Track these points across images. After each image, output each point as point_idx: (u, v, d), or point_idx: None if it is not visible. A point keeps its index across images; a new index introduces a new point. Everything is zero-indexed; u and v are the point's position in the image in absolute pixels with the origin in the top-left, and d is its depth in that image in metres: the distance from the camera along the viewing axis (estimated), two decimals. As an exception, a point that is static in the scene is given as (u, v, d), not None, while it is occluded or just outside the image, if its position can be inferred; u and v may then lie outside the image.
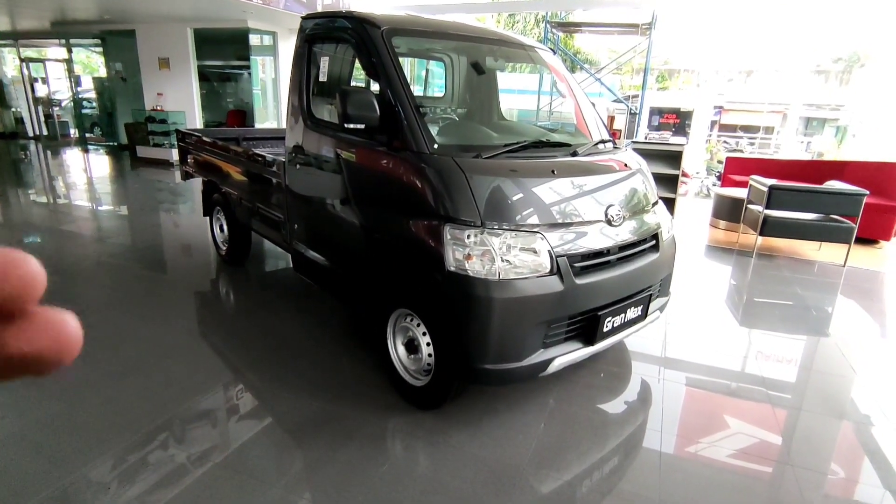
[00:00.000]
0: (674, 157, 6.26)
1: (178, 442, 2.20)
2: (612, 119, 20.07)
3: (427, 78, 3.84)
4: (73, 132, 13.31)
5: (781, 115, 25.05)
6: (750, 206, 5.48)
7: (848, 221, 4.94)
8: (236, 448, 2.17)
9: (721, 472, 2.18)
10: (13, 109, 13.41)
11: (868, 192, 4.76)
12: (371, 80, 2.51)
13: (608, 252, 2.34)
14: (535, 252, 2.09)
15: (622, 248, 2.41)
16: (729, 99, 25.53)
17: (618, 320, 2.41)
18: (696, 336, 3.49)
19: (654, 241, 2.65)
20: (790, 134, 21.78)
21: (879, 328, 3.88)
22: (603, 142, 2.89)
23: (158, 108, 9.73)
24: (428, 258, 2.13)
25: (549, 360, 2.19)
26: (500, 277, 2.03)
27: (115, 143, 12.07)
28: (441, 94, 3.84)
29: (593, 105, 3.28)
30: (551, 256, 2.11)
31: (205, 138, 4.20)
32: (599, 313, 2.29)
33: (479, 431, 2.32)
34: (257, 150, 3.50)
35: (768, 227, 5.08)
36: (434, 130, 2.59)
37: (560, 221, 2.19)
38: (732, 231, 6.15)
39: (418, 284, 2.27)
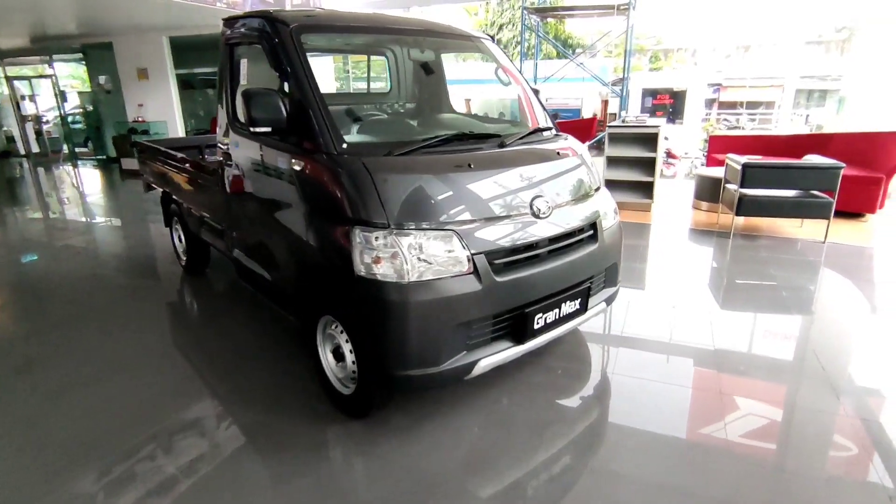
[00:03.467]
0: (651, 140, 6.10)
1: (103, 458, 2.15)
2: (605, 103, 19.79)
3: (369, 74, 3.74)
4: (65, 147, 13.38)
5: (782, 90, 24.56)
6: (727, 186, 5.33)
7: (826, 196, 4.77)
8: (163, 463, 2.12)
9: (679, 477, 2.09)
10: (4, 129, 13.50)
11: (844, 165, 4.60)
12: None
13: (535, 246, 2.24)
14: (448, 251, 2.00)
15: (552, 240, 2.31)
16: (728, 76, 25.08)
17: (551, 316, 2.32)
18: (667, 324, 3.38)
19: (592, 231, 2.54)
20: (787, 108, 21.33)
21: (854, 306, 3.74)
22: (539, 130, 2.78)
23: (140, 119, 9.72)
24: (341, 263, 2.05)
25: (474, 363, 2.10)
26: (411, 280, 1.94)
27: (105, 157, 12.11)
28: (388, 90, 3.75)
29: (536, 92, 3.17)
30: (467, 255, 2.02)
31: (157, 148, 4.15)
32: (527, 311, 2.19)
33: (409, 438, 2.24)
34: (197, 158, 3.44)
35: (744, 207, 4.93)
36: (354, 129, 2.51)
37: (477, 217, 2.09)
38: (714, 212, 6.00)
39: (335, 291, 2.19)
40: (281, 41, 2.33)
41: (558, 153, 2.54)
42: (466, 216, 2.07)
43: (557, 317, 2.35)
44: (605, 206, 2.70)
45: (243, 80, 2.72)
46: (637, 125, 6.20)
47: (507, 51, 23.89)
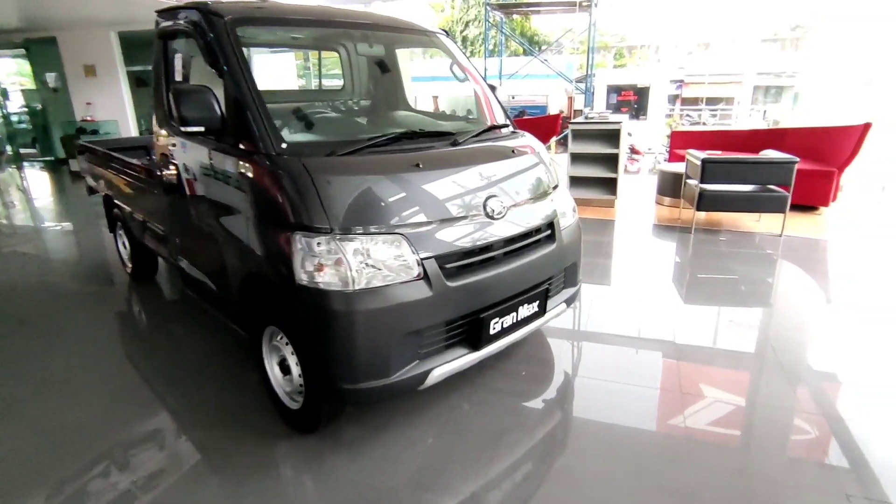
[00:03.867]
0: (613, 136, 6.12)
1: (41, 478, 1.97)
2: (571, 100, 19.98)
3: (320, 70, 3.59)
4: (8, 149, 12.67)
5: (741, 86, 25.27)
6: (688, 181, 5.38)
7: (781, 190, 4.86)
8: (103, 486, 1.95)
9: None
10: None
11: (798, 160, 4.68)
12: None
13: (489, 248, 2.16)
14: (396, 256, 1.90)
15: (507, 241, 2.23)
16: (689, 72, 25.65)
17: (508, 320, 2.24)
18: (631, 320, 3.35)
19: (549, 231, 2.48)
20: (747, 103, 21.96)
21: (809, 298, 3.80)
22: (495, 127, 2.70)
23: (89, 118, 9.26)
24: (282, 271, 1.92)
25: (427, 372, 2.00)
26: (356, 288, 1.83)
27: (53, 158, 11.51)
28: (341, 87, 3.61)
29: (493, 89, 3.09)
30: (416, 259, 1.92)
31: (95, 149, 3.91)
32: (483, 316, 2.11)
33: (360, 452, 2.13)
34: (136, 159, 3.24)
35: (705, 202, 4.98)
36: (296, 128, 2.38)
37: (427, 220, 1.99)
38: (676, 207, 6.06)
39: (277, 300, 2.06)
40: (216, 35, 2.17)
41: (514, 151, 2.47)
42: (415, 219, 1.97)
43: (515, 321, 2.27)
44: (563, 205, 2.64)
45: (178, 77, 2.55)
46: (600, 122, 6.21)
47: (474, 47, 23.87)
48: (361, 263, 1.84)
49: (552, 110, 19.58)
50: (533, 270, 2.33)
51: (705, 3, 27.20)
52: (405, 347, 1.94)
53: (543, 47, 15.93)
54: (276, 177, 1.94)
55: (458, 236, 2.05)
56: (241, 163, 2.09)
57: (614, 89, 18.45)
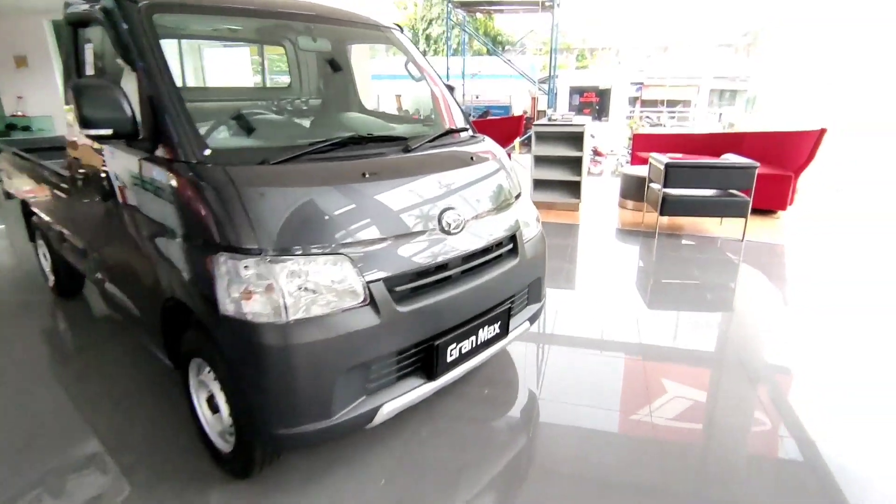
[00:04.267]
0: (576, 139, 6.02)
1: None
2: (535, 100, 20.02)
3: (263, 66, 3.31)
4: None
5: (697, 89, 25.99)
6: (651, 185, 5.33)
7: (742, 195, 4.85)
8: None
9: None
10: None
11: (759, 165, 4.68)
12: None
13: (444, 267, 1.95)
14: (338, 280, 1.66)
15: (466, 258, 2.03)
16: (649, 75, 26.21)
17: (467, 345, 2.04)
18: (595, 329, 3.21)
19: (511, 245, 2.29)
20: (703, 106, 22.59)
21: (769, 302, 3.77)
22: (453, 131, 2.50)
23: (20, 113, 8.56)
24: (206, 298, 1.65)
25: (376, 409, 1.78)
26: (290, 319, 1.58)
27: (-17, 156, 10.63)
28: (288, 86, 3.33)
29: (451, 89, 2.88)
30: (362, 283, 1.69)
31: (5, 148, 3.49)
32: (438, 343, 1.90)
33: (303, 496, 1.89)
34: (51, 163, 2.87)
35: (668, 206, 4.93)
36: (225, 131, 2.10)
37: (374, 237, 1.76)
38: (640, 210, 6.01)
39: (201, 331, 1.80)
40: (129, 23, 1.88)
41: (473, 158, 2.26)
42: (361, 236, 1.74)
43: (474, 345, 2.07)
44: (526, 215, 2.46)
45: (90, 70, 2.23)
46: (563, 123, 6.11)
47: (438, 46, 23.62)
48: (297, 289, 1.60)
49: (516, 111, 19.61)
50: (494, 289, 2.14)
51: (664, 7, 27.86)
52: (349, 383, 1.71)
53: (507, 47, 15.88)
54: (197, 189, 1.67)
55: (410, 254, 1.83)
56: (157, 171, 1.81)
57: (577, 90, 18.60)
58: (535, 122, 6.26)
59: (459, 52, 11.74)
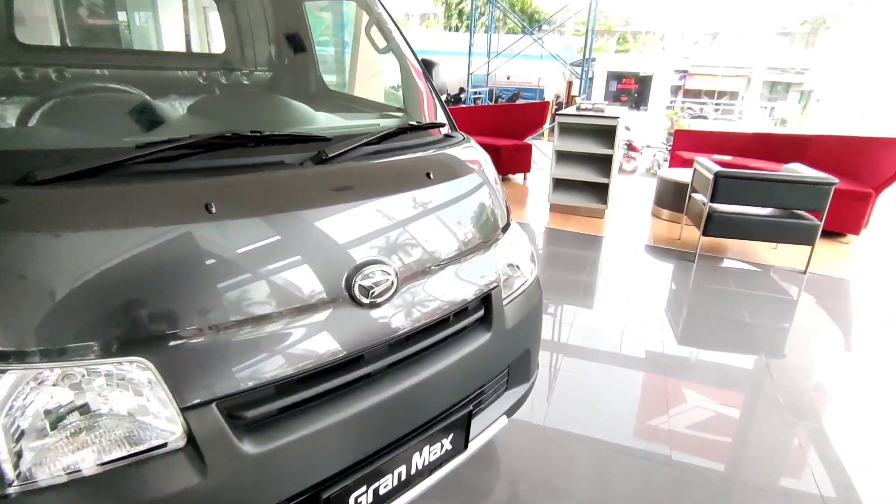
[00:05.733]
0: (608, 133, 5.11)
1: None
2: (570, 84, 18.81)
3: (186, 25, 2.53)
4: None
5: (746, 80, 24.18)
6: (694, 196, 4.41)
7: (812, 217, 3.91)
8: None
9: None
10: None
11: (837, 181, 3.72)
12: None
13: (354, 363, 1.18)
14: (128, 407, 0.91)
15: (395, 345, 1.26)
16: (694, 63, 24.48)
17: (388, 482, 1.27)
18: (613, 373, 2.40)
19: (482, 310, 1.50)
20: (753, 99, 20.91)
21: (833, 357, 2.88)
22: (418, 128, 1.67)
23: None
24: None
25: None
26: (21, 484, 0.84)
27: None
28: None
29: (428, 66, 2.05)
30: (176, 410, 0.94)
31: None
32: (330, 495, 1.13)
33: None
34: None
35: (713, 225, 4.02)
36: (28, 117, 1.34)
37: (212, 322, 0.99)
38: (676, 223, 5.10)
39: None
40: None
41: (430, 175, 1.45)
42: (183, 323, 0.96)
43: (402, 479, 1.30)
44: (514, 256, 1.66)
45: None
46: (593, 114, 5.19)
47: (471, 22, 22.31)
48: (37, 428, 0.86)
49: (548, 95, 18.44)
50: (445, 386, 1.37)
51: (716, -11, 25.85)
52: None
53: (544, 26, 14.70)
54: None
55: (281, 349, 1.05)
56: None
57: (615, 76, 17.31)
58: (559, 112, 5.36)
59: (482, 27, 10.74)
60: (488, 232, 1.56)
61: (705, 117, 18.62)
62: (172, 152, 1.09)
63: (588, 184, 5.26)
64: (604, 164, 5.18)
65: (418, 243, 1.32)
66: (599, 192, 5.25)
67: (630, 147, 8.27)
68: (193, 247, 0.99)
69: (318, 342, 1.10)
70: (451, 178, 1.50)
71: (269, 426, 1.05)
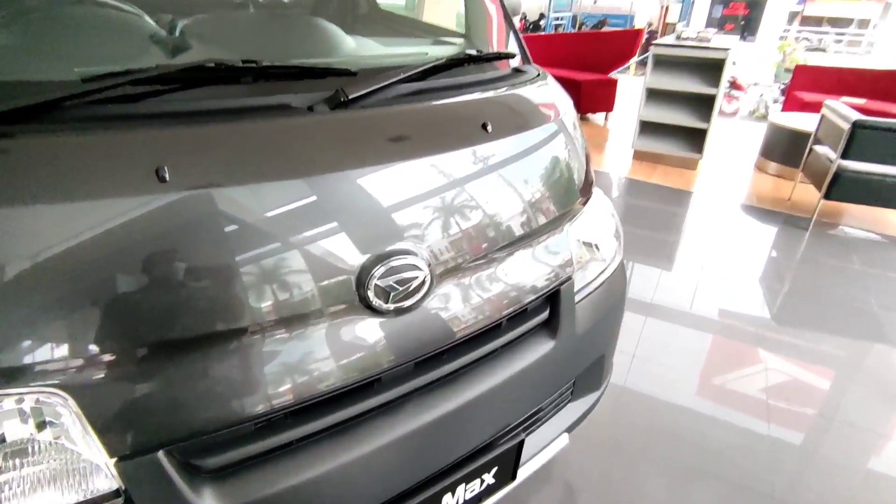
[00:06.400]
0: (714, 68, 4.31)
1: None
2: (665, 10, 16.81)
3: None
4: None
5: (882, 4, 20.43)
6: (816, 149, 3.65)
7: (977, 184, 3.10)
8: None
9: None
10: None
11: None
12: None
13: (364, 389, 0.88)
14: (38, 456, 0.66)
15: (421, 364, 0.94)
16: (819, -17, 20.92)
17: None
18: (690, 357, 2.02)
19: (545, 313, 1.14)
20: (892, 28, 17.65)
21: None
22: (477, 59, 1.24)
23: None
24: None
25: None
26: None
27: None
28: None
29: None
30: (105, 460, 0.68)
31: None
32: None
33: None
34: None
35: (841, 187, 3.30)
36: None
37: (159, 339, 0.70)
38: (785, 179, 4.33)
39: None
40: None
41: (487, 126, 1.05)
42: (122, 341, 0.67)
43: (429, 525, 1.03)
44: (595, 234, 1.27)
45: None
46: (697, 45, 4.37)
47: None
48: None
49: (640, 23, 16.53)
50: (487, 414, 1.05)
51: None
52: None
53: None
54: None
55: (257, 377, 0.76)
56: None
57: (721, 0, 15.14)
58: (654, 42, 4.58)
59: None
60: (563, 205, 1.17)
61: (823, 50, 16.04)
62: (128, 89, 0.77)
63: (681, 129, 4.54)
64: (703, 105, 4.42)
65: (463, 224, 0.96)
66: (694, 138, 4.52)
67: (733, 85, 7.16)
68: (135, 232, 0.68)
69: (313, 366, 0.80)
70: (517, 130, 1.10)
71: (244, 476, 0.78)
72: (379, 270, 0.82)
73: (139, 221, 0.67)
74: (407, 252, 0.86)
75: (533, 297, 1.07)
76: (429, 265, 0.88)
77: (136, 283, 0.68)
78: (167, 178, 0.70)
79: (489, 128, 1.03)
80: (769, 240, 3.48)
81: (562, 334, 1.13)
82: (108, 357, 0.67)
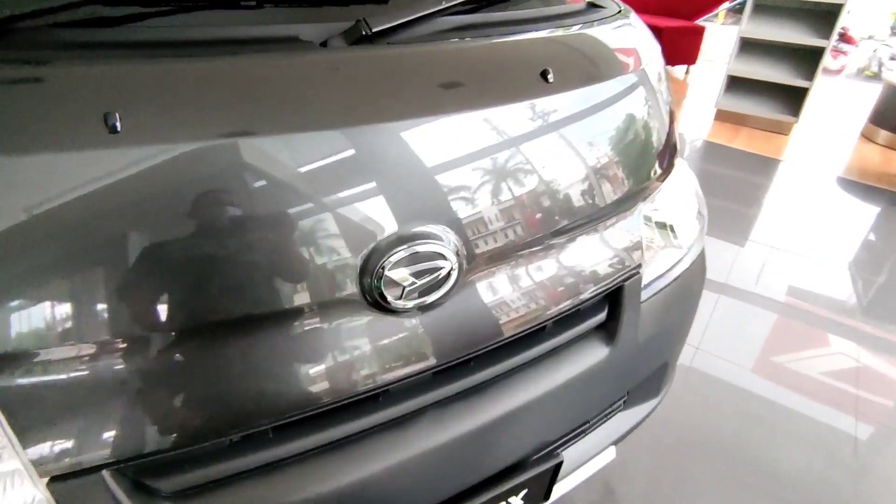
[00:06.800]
0: (825, 16, 3.69)
1: None
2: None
3: None
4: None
5: None
6: (946, 119, 3.08)
7: None
8: None
9: None
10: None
11: None
12: None
13: (367, 401, 0.72)
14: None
15: (440, 373, 0.76)
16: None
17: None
18: (769, 350, 1.78)
19: (602, 314, 0.93)
20: None
21: None
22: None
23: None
24: None
25: None
26: None
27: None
28: None
29: None
30: (35, 477, 0.55)
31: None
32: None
33: None
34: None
35: (972, 166, 2.77)
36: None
37: (103, 336, 0.55)
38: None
39: None
40: None
41: (547, 75, 0.81)
42: (51, 335, 0.52)
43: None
44: (671, 214, 1.04)
45: None
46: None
47: None
48: None
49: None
50: (521, 431, 0.87)
51: None
52: None
53: None
54: None
55: (228, 381, 0.61)
56: None
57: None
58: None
59: None
60: (638, 180, 0.93)
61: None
62: (87, 11, 0.60)
63: (776, 87, 3.98)
64: (807, 60, 3.83)
65: (506, 203, 0.74)
66: (791, 98, 3.96)
67: (843, 37, 6.24)
68: (70, 198, 0.52)
69: (298, 375, 0.64)
70: (586, 81, 0.85)
71: (213, 501, 0.65)
72: (391, 258, 0.64)
73: (75, 183, 0.51)
74: (429, 236, 0.67)
75: (588, 295, 0.86)
76: (457, 253, 0.68)
77: (67, 266, 0.52)
78: (118, 128, 0.53)
79: (550, 77, 0.79)
80: (868, 221, 3.03)
81: (620, 340, 0.93)
82: (36, 356, 0.53)
